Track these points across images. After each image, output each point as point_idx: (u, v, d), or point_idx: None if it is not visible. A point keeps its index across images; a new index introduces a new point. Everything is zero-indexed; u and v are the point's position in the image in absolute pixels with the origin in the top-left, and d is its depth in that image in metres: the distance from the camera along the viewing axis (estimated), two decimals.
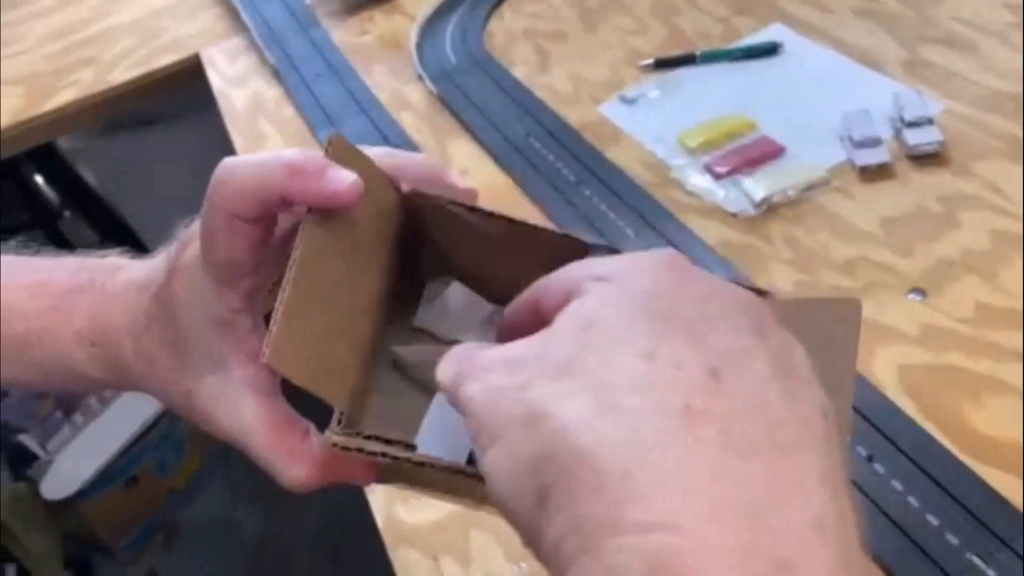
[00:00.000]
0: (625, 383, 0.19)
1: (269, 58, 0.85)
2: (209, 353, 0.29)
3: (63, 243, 1.61)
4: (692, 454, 0.18)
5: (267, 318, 0.27)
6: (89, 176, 1.72)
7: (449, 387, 0.23)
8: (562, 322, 0.21)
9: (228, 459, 1.52)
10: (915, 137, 0.58)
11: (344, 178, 0.26)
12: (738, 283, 0.23)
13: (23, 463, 1.42)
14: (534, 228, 0.29)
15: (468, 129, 0.70)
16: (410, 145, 0.70)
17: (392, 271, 0.31)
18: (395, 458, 0.26)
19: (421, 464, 0.26)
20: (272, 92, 0.83)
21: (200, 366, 0.30)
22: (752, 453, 0.18)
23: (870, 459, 0.42)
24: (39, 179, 1.63)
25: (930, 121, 0.58)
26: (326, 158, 0.27)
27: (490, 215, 0.29)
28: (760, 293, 0.25)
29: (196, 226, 0.29)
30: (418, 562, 0.43)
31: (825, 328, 0.27)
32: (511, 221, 0.29)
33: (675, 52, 0.74)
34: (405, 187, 0.30)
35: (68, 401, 1.44)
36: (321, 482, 0.29)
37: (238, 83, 0.86)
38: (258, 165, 0.26)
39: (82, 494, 1.40)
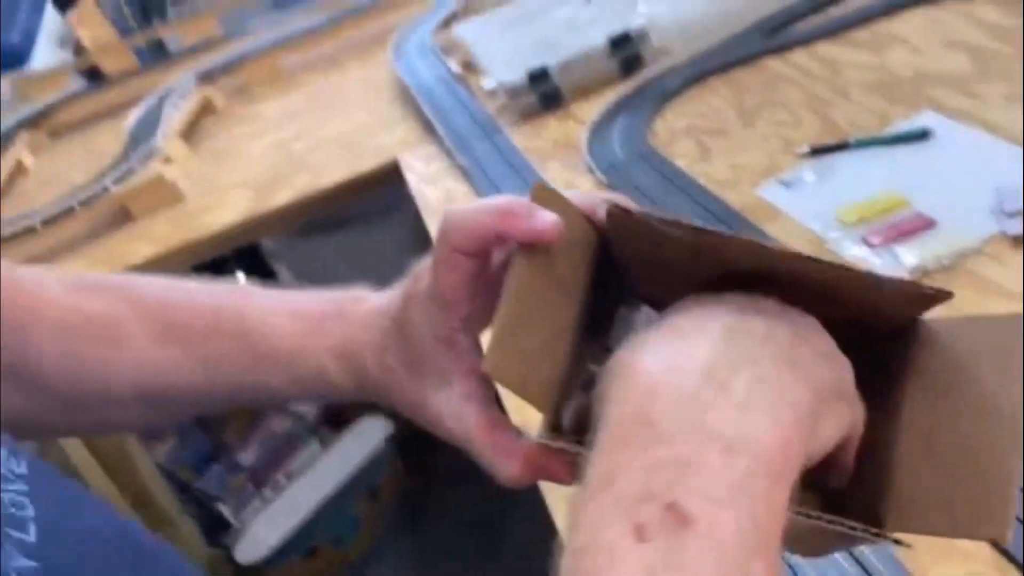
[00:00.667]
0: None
1: (459, 160, 0.97)
2: (436, 368, 0.36)
3: None
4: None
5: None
6: (285, 274, 1.92)
7: None
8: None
9: (399, 535, 1.61)
10: None
11: (547, 218, 0.31)
12: (904, 283, 0.28)
13: (218, 530, 1.56)
14: (725, 238, 0.30)
15: None
16: None
17: (588, 297, 0.35)
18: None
19: None
20: (461, 188, 0.95)
21: (429, 380, 0.36)
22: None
23: None
24: (240, 275, 1.83)
25: None
26: (531, 202, 0.33)
27: (689, 226, 0.30)
28: (936, 296, 0.29)
29: (426, 262, 0.36)
30: None
31: (987, 345, 0.29)
32: (705, 231, 0.30)
33: (829, 141, 0.80)
34: (602, 215, 0.34)
35: (259, 476, 1.58)
36: (531, 478, 0.35)
37: (431, 181, 0.99)
38: (476, 210, 0.32)
39: (269, 561, 1.52)
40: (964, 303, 0.58)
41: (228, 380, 0.42)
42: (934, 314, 0.30)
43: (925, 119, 0.78)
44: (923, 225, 0.65)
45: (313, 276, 1.97)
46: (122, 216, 1.12)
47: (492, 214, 0.32)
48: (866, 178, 0.74)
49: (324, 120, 1.27)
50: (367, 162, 1.10)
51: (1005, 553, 0.43)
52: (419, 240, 1.50)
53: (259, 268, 1.82)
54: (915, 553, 0.44)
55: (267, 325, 0.41)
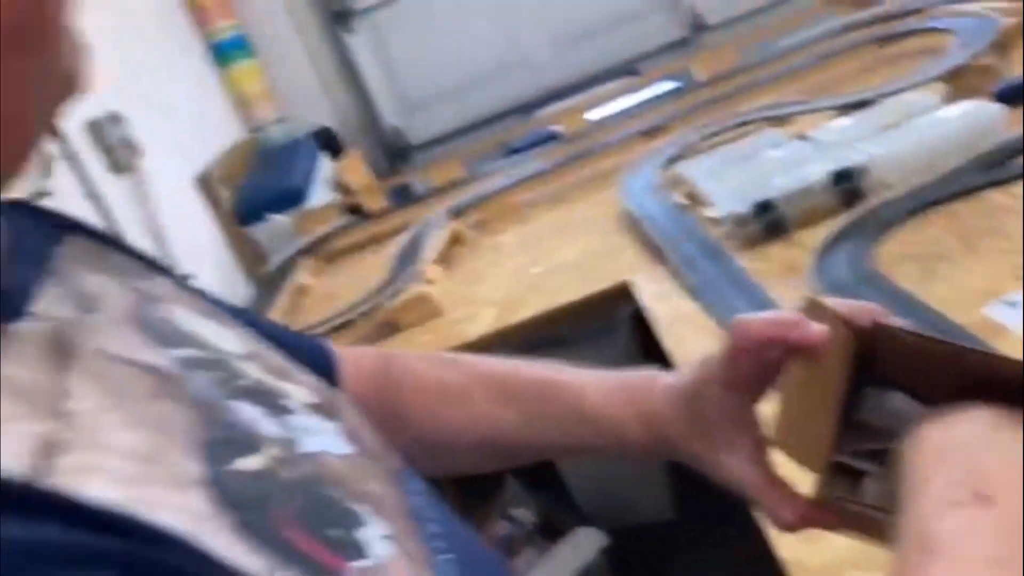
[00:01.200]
0: None
1: (687, 280, 1.08)
2: (722, 436, 0.46)
3: None
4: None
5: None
6: None
7: None
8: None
9: None
10: None
11: (816, 328, 0.40)
12: None
13: None
14: (982, 354, 0.37)
15: None
16: None
17: (846, 390, 0.43)
18: (857, 503, 0.41)
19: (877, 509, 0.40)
20: (690, 306, 1.04)
21: (716, 441, 0.47)
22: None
23: None
24: None
25: None
26: (803, 315, 0.42)
27: (938, 340, 0.38)
28: None
29: (709, 355, 0.46)
30: None
31: None
32: (955, 346, 0.37)
33: None
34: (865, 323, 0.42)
35: None
36: (803, 526, 0.45)
37: (661, 299, 1.10)
38: (760, 320, 0.42)
39: None
40: None
41: (549, 435, 0.54)
42: None
43: None
44: None
45: None
46: (390, 328, 1.31)
47: (772, 326, 0.41)
48: None
49: (557, 248, 1.42)
50: (597, 284, 1.22)
51: None
52: (630, 359, 1.59)
53: None
54: None
55: (585, 394, 0.53)
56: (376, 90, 2.62)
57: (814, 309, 0.41)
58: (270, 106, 2.43)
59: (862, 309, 0.42)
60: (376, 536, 0.34)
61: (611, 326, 1.62)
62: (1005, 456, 0.34)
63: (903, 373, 0.41)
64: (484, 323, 1.25)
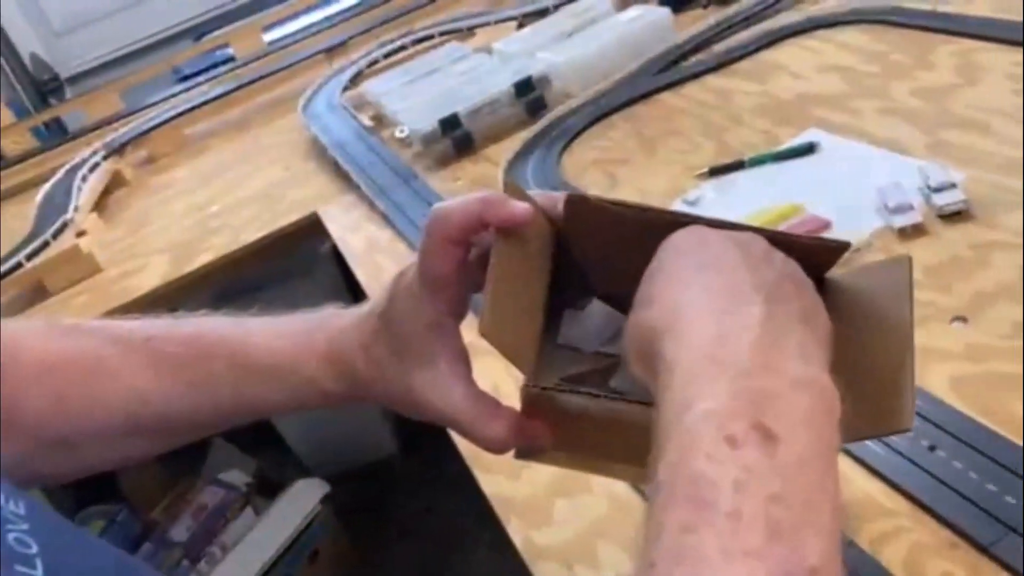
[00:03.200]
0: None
1: (379, 206, 1.00)
2: (423, 353, 0.40)
3: None
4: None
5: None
6: None
7: None
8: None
9: None
10: (942, 199, 0.67)
11: (521, 205, 0.37)
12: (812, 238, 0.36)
13: None
14: (669, 212, 0.37)
15: None
16: None
17: (548, 287, 0.41)
18: (589, 393, 0.37)
19: (612, 397, 0.36)
20: (384, 234, 0.97)
21: (417, 363, 0.40)
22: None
23: (932, 448, 0.49)
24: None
25: (953, 185, 0.68)
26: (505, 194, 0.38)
27: (637, 205, 0.38)
28: (839, 248, 0.36)
29: (408, 264, 0.40)
30: (556, 572, 0.51)
31: (879, 280, 0.36)
32: (652, 208, 0.37)
33: (726, 162, 0.86)
34: (561, 205, 0.39)
35: (193, 551, 1.54)
36: (515, 441, 0.40)
37: (353, 230, 1.01)
38: (461, 203, 0.38)
39: None
40: None
41: (219, 400, 0.44)
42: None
43: (810, 135, 0.85)
44: (820, 226, 0.71)
45: None
46: (38, 292, 1.10)
47: (476, 204, 0.37)
48: (763, 191, 0.80)
49: (237, 182, 1.28)
50: (285, 218, 1.11)
51: (923, 507, 0.47)
52: (334, 298, 1.51)
53: None
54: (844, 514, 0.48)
55: (253, 344, 0.44)
56: (7, 11, 2.22)
57: (515, 193, 0.39)
58: None
59: (556, 197, 0.40)
60: None
61: (309, 264, 1.51)
62: (786, 363, 0.29)
63: (602, 249, 0.39)
64: (155, 275, 1.09)
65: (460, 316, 0.41)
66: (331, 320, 0.44)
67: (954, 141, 0.77)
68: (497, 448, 0.40)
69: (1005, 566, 0.43)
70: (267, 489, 1.61)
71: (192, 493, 1.57)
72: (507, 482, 0.58)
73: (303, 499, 1.57)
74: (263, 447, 1.75)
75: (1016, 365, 0.53)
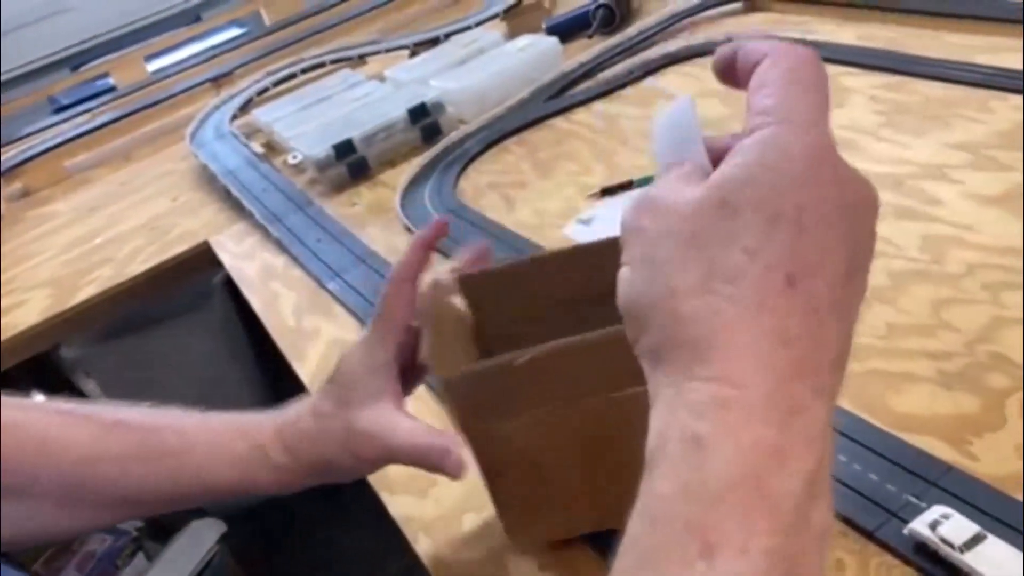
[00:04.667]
0: (725, 271, 0.25)
1: (273, 233, 0.98)
2: (368, 392, 0.45)
3: None
4: (751, 336, 0.25)
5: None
6: (90, 385, 1.80)
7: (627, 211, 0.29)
8: (714, 190, 0.26)
9: None
10: None
11: (434, 225, 0.49)
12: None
13: None
14: (570, 249, 0.45)
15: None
16: None
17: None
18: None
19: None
20: (279, 260, 0.96)
21: (362, 405, 0.45)
22: (792, 344, 0.25)
23: None
24: (37, 394, 1.71)
25: None
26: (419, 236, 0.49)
27: (515, 261, 0.46)
28: None
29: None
30: None
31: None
32: (532, 256, 0.44)
33: (615, 182, 0.89)
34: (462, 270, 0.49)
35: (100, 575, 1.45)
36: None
37: (247, 257, 0.99)
38: (407, 250, 0.48)
39: None
40: None
41: (166, 472, 0.47)
42: None
43: None
44: None
45: (124, 383, 1.86)
46: None
47: (415, 242, 0.48)
48: None
49: (122, 214, 1.24)
50: (174, 248, 1.08)
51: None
52: (227, 328, 1.47)
53: (59, 382, 1.69)
54: None
55: (206, 418, 0.49)
56: None
57: (435, 287, 0.48)
58: None
59: (470, 252, 0.50)
60: None
61: (203, 296, 1.47)
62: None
63: (512, 300, 0.48)
64: (34, 310, 1.04)
65: (403, 364, 0.47)
66: (279, 411, 0.49)
67: None
68: (455, 469, 0.44)
69: (888, 549, 0.45)
70: (159, 532, 1.54)
71: (77, 542, 1.49)
72: (415, 502, 0.58)
73: (198, 540, 1.51)
74: None
75: (891, 363, 0.57)
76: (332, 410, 0.46)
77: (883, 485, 0.48)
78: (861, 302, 0.28)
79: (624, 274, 0.28)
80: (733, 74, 0.30)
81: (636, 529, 0.25)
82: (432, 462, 0.44)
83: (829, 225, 0.25)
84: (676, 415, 0.25)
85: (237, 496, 0.48)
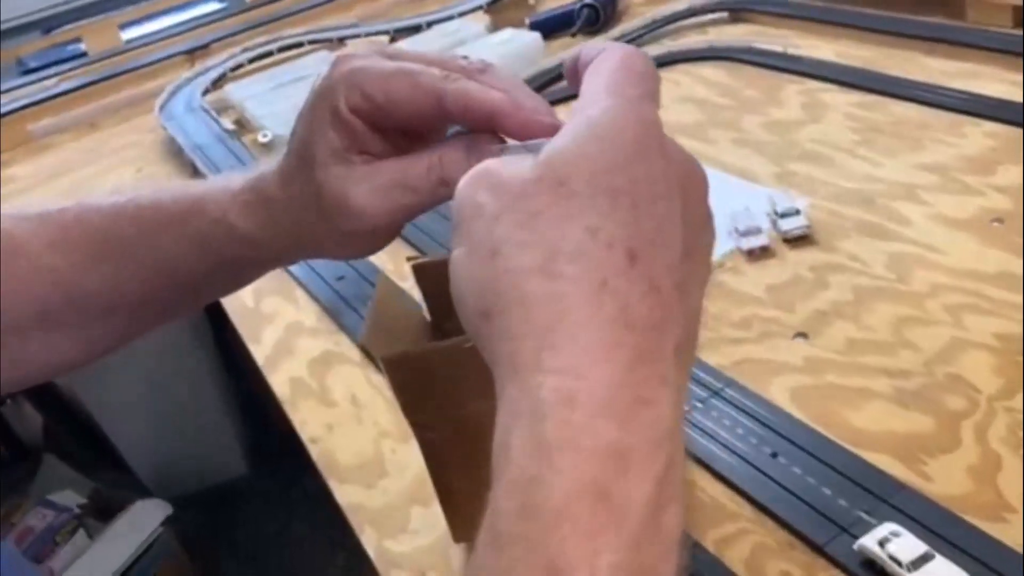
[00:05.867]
0: (568, 251, 0.24)
1: None
2: (331, 148, 0.36)
3: (6, 430, 1.62)
4: (597, 321, 0.24)
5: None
6: None
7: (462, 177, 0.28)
8: (548, 169, 0.25)
9: None
10: (787, 224, 0.71)
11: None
12: None
13: None
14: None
15: None
16: (370, 271, 0.81)
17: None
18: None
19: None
20: None
21: (325, 161, 0.36)
22: (635, 327, 0.24)
23: (774, 455, 0.52)
24: None
25: (798, 212, 0.72)
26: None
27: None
28: None
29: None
30: None
31: None
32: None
33: None
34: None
35: (38, 550, 1.42)
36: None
37: None
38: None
39: None
40: (715, 309, 0.66)
41: (131, 269, 0.40)
42: None
43: None
44: None
45: None
46: None
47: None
48: None
49: (85, 182, 1.21)
50: None
51: (765, 510, 0.49)
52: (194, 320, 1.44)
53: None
54: (690, 519, 0.49)
55: (161, 195, 0.41)
56: None
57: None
58: None
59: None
60: None
61: None
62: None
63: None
64: None
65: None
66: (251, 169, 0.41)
67: (799, 172, 0.82)
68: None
69: (836, 564, 0.45)
70: (103, 511, 1.51)
71: (17, 515, 1.45)
72: (362, 492, 0.57)
73: (142, 522, 1.48)
74: (102, 467, 1.65)
75: (850, 378, 0.57)
76: (296, 173, 0.37)
77: (835, 499, 0.48)
78: (703, 285, 0.27)
79: (459, 257, 0.26)
80: (577, 74, 0.30)
81: (482, 551, 0.23)
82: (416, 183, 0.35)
83: (663, 199, 0.25)
84: (519, 418, 0.23)
85: (214, 283, 0.42)
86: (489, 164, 0.27)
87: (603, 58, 0.29)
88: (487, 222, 0.26)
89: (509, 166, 0.27)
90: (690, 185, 0.27)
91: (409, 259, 0.49)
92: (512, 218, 0.25)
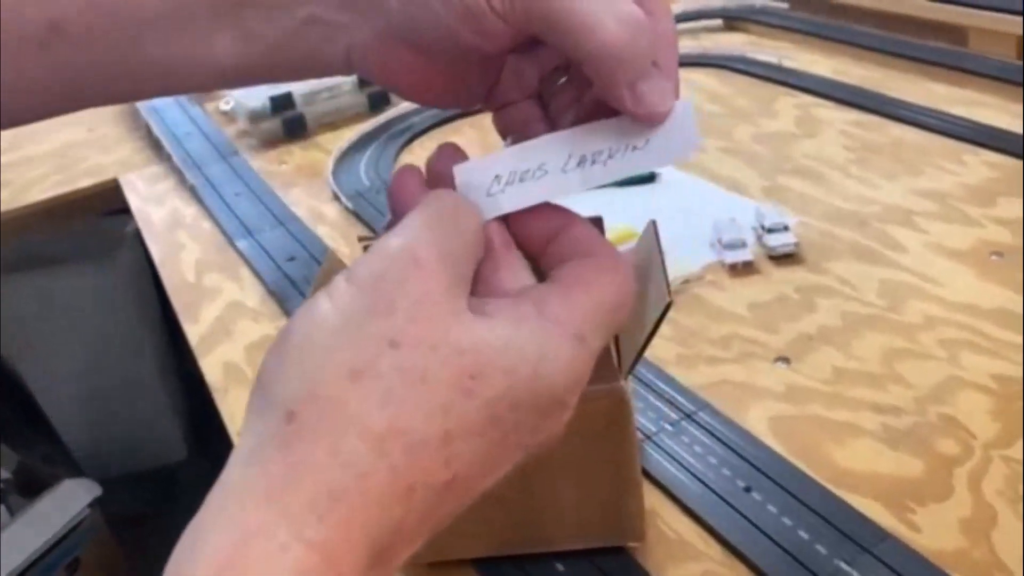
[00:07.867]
0: (411, 435, 0.25)
1: (188, 179, 0.90)
2: None
3: None
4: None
5: None
6: None
7: None
8: (479, 354, 0.25)
9: None
10: (774, 240, 0.67)
11: None
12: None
13: None
14: None
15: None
16: (322, 251, 0.75)
17: None
18: None
19: None
20: (190, 210, 0.87)
21: None
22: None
23: (748, 489, 0.47)
24: None
25: (786, 228, 0.68)
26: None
27: None
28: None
29: None
30: None
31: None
32: None
33: None
34: None
35: None
36: None
37: (156, 202, 0.90)
38: None
39: None
40: (693, 323, 0.61)
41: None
42: None
43: None
44: None
45: (22, 319, 1.73)
46: None
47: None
48: (603, 214, 0.77)
49: (30, 137, 1.13)
50: (81, 181, 0.99)
51: (734, 551, 0.44)
52: (138, 278, 1.37)
53: None
54: (651, 555, 0.44)
55: None
56: None
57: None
58: None
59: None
60: None
61: (115, 242, 1.37)
62: None
63: None
64: None
65: None
66: None
67: (790, 187, 0.77)
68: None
69: None
70: (30, 488, 1.43)
71: None
72: None
73: (68, 501, 1.40)
74: (33, 442, 1.56)
75: (833, 411, 0.52)
76: None
77: (812, 545, 0.43)
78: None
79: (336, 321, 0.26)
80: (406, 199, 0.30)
81: None
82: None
83: (522, 450, 0.27)
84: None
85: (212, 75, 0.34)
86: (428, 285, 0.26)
87: (610, 281, 0.29)
88: (380, 341, 0.25)
89: (449, 317, 0.26)
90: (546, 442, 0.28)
91: (361, 239, 0.43)
92: (407, 351, 0.25)
